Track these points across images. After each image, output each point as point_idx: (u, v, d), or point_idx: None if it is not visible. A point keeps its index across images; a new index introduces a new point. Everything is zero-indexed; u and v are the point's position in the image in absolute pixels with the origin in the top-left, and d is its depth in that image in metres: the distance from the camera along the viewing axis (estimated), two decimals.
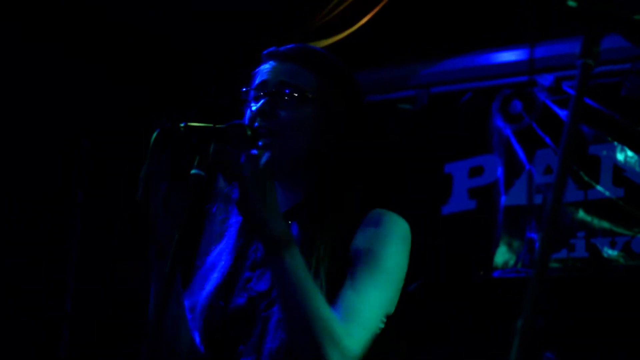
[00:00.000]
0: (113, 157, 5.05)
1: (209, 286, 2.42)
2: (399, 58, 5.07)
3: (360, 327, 2.17)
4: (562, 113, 4.63)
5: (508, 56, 4.80)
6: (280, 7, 4.85)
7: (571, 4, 1.47)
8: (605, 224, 4.45)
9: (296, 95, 2.37)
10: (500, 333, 4.25)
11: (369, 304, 2.21)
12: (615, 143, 4.48)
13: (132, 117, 5.13)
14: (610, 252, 4.41)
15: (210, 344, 2.37)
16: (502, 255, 4.71)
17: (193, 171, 2.07)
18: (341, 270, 2.25)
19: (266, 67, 2.45)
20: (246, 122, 2.38)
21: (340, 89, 2.44)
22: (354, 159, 2.41)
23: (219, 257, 2.48)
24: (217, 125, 2.15)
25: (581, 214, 4.52)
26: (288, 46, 2.47)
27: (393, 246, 2.32)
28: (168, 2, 4.81)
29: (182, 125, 2.13)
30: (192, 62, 5.21)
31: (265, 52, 2.49)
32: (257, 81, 2.45)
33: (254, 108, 2.39)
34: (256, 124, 2.34)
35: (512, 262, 4.69)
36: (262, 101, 2.37)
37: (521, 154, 4.74)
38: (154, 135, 2.13)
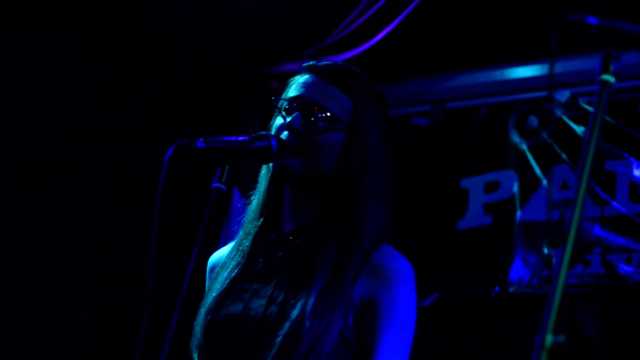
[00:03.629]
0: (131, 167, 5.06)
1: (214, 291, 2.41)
2: (414, 73, 5.08)
3: None
4: (578, 129, 4.62)
5: (525, 72, 4.80)
6: (295, 20, 4.86)
7: (591, 21, 1.48)
8: (621, 240, 4.44)
9: (329, 117, 2.35)
10: (516, 349, 4.25)
11: None
12: (632, 159, 4.47)
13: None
14: (626, 269, 4.40)
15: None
16: (518, 271, 4.70)
17: (214, 184, 2.06)
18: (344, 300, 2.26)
19: (304, 80, 2.44)
20: (273, 131, 2.38)
21: (373, 114, 2.43)
22: (379, 183, 2.41)
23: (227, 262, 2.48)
24: (238, 139, 2.14)
25: (597, 229, 4.51)
26: (329, 63, 2.45)
27: (409, 299, 2.34)
28: (190, 13, 4.82)
29: (200, 140, 2.11)
30: (213, 71, 5.21)
31: (305, 64, 2.47)
32: (291, 93, 2.43)
33: (284, 120, 2.38)
34: (283, 136, 2.35)
35: (528, 278, 4.67)
36: (294, 115, 2.35)
37: (537, 169, 4.73)
38: (169, 152, 2.08)
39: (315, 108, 2.36)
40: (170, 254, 2.87)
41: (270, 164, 2.37)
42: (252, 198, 2.50)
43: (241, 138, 2.17)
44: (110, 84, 5.09)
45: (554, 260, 4.53)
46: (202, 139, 2.09)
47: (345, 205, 2.36)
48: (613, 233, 4.47)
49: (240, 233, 2.49)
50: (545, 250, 4.63)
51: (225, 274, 2.42)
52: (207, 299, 2.39)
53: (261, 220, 2.46)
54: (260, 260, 2.41)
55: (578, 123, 4.64)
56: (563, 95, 4.61)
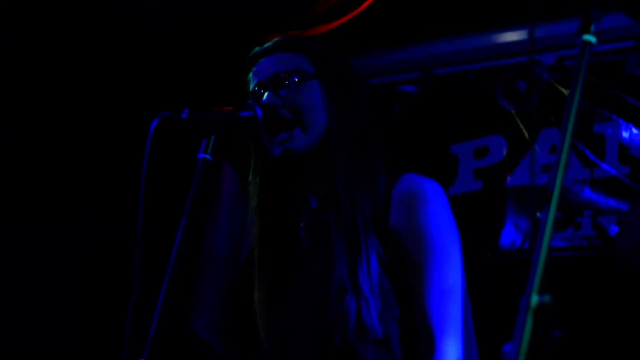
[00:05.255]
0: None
1: None
2: (401, 40, 5.06)
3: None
4: (566, 92, 4.62)
5: (511, 36, 4.79)
6: None
7: None
8: (612, 202, 4.45)
9: (294, 75, 2.36)
10: (507, 313, 4.26)
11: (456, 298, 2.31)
12: (620, 120, 4.48)
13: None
14: (616, 230, 4.41)
15: None
16: (509, 235, 4.72)
17: (200, 155, 2.05)
18: (384, 241, 2.29)
19: (257, 69, 2.44)
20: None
21: (332, 60, 2.44)
22: (371, 130, 2.42)
23: None
24: (223, 109, 2.13)
25: (587, 192, 4.52)
26: (270, 42, 2.46)
27: (441, 222, 2.34)
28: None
29: (185, 112, 2.10)
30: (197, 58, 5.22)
31: (250, 54, 2.47)
32: (253, 83, 2.44)
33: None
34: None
35: (519, 242, 4.69)
36: (266, 96, 2.36)
37: (526, 133, 4.74)
38: (153, 124, 2.06)
39: (277, 75, 2.37)
40: (159, 225, 2.88)
41: (277, 154, 2.36)
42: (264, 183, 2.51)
43: (226, 108, 2.16)
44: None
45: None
46: (186, 110, 2.09)
47: (339, 158, 2.36)
48: (603, 195, 4.48)
49: (269, 216, 2.51)
50: (536, 214, 4.65)
51: (273, 261, 2.48)
52: (261, 283, 2.45)
53: (285, 202, 2.48)
54: (303, 237, 2.45)
55: (566, 87, 4.64)
56: (550, 59, 4.60)
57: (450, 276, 2.30)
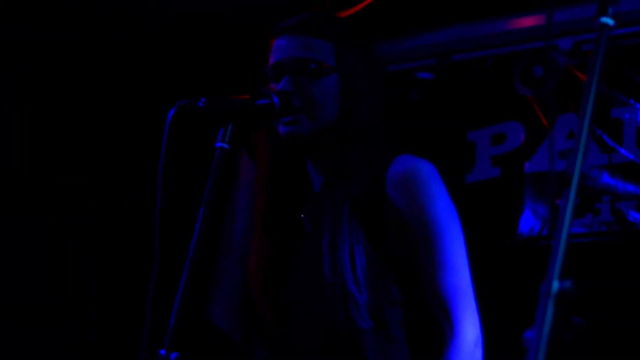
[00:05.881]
0: None
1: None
2: (417, 26, 5.04)
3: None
4: (583, 77, 4.60)
5: (527, 21, 4.76)
6: None
7: None
8: (630, 187, 4.43)
9: (313, 68, 2.35)
10: (526, 299, 4.25)
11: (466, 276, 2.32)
12: (638, 105, 4.45)
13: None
14: (635, 215, 4.39)
15: None
16: (528, 222, 4.70)
17: (217, 144, 2.05)
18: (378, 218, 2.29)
19: (279, 44, 2.42)
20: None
21: (356, 51, 2.42)
22: (381, 126, 2.41)
23: None
24: (240, 97, 2.12)
25: (605, 177, 4.49)
26: (295, 19, 2.44)
27: (440, 202, 2.34)
28: None
29: (202, 100, 2.09)
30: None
31: (274, 29, 2.46)
32: (272, 61, 2.42)
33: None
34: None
35: (537, 229, 4.68)
36: (282, 81, 2.35)
37: (544, 119, 4.72)
38: (171, 113, 2.07)
39: (298, 63, 2.35)
40: (179, 215, 2.88)
41: (283, 135, 2.36)
42: (275, 168, 2.51)
43: (243, 96, 2.16)
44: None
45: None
46: (203, 99, 2.08)
47: (351, 148, 2.36)
48: (622, 180, 4.46)
49: (272, 203, 2.51)
50: (555, 201, 4.63)
51: (274, 243, 2.47)
52: (265, 267, 2.44)
53: (290, 187, 2.48)
54: (307, 225, 2.45)
55: (583, 72, 4.61)
56: (567, 44, 4.57)
57: (460, 254, 2.33)
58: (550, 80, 4.68)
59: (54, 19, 4.89)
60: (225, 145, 2.04)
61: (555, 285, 1.35)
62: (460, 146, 4.96)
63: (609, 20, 1.47)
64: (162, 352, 1.94)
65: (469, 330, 2.26)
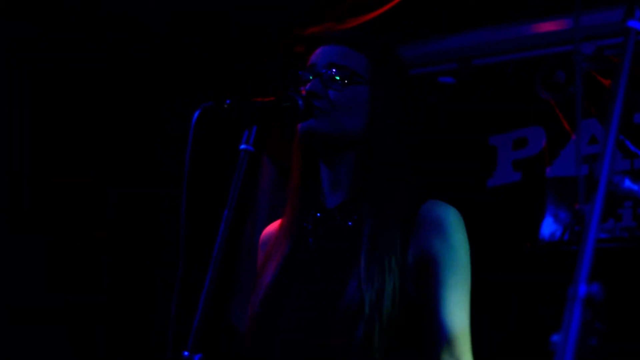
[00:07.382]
0: None
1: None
2: (439, 31, 5.04)
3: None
4: (606, 82, 4.58)
5: (549, 26, 4.75)
6: None
7: None
8: None
9: (345, 75, 2.36)
10: (548, 304, 4.24)
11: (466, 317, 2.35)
12: None
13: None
14: None
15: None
16: (549, 227, 4.69)
17: (242, 146, 2.04)
18: (405, 265, 2.29)
19: (317, 52, 2.45)
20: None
21: (390, 69, 2.44)
22: (405, 140, 2.41)
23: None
24: (265, 99, 2.12)
25: (627, 183, 4.46)
26: (338, 30, 2.48)
27: (464, 248, 2.37)
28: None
29: (227, 102, 2.09)
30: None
31: (318, 37, 2.49)
32: (309, 63, 2.44)
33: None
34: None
35: (559, 234, 4.66)
36: (312, 82, 2.37)
37: (566, 124, 4.70)
38: (196, 114, 2.06)
39: (331, 68, 2.36)
40: (202, 217, 2.88)
41: (300, 131, 2.36)
42: (290, 174, 2.51)
43: (267, 98, 2.16)
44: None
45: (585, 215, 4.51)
46: (228, 101, 2.08)
47: (375, 167, 2.36)
48: None
49: (286, 210, 2.50)
50: (576, 206, 4.61)
51: (277, 255, 2.44)
52: (263, 280, 2.42)
53: (303, 196, 2.47)
54: (310, 240, 2.42)
55: (605, 77, 4.60)
56: (589, 49, 4.56)
57: (468, 296, 2.36)
58: (575, 85, 4.66)
59: (54, 19, 4.91)
60: (250, 148, 2.04)
61: (583, 288, 1.35)
62: (482, 151, 4.95)
63: (636, 24, 1.46)
64: (186, 353, 1.95)
65: None
